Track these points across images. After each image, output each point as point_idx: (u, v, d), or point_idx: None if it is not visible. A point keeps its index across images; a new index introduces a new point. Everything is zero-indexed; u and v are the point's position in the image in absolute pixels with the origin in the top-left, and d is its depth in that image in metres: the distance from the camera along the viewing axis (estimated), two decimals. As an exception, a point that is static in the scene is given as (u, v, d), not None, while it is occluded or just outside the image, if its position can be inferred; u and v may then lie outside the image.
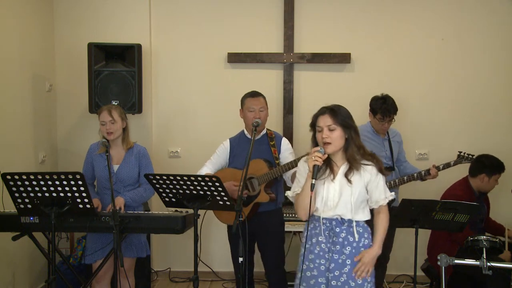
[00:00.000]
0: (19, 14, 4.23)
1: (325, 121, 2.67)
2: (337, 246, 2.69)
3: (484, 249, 3.34)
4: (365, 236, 2.74)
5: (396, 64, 4.90)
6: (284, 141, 3.69)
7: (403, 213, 3.48)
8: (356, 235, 2.70)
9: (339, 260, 2.69)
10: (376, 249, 2.72)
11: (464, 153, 4.04)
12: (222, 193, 3.08)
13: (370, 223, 2.81)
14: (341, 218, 2.70)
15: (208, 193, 3.09)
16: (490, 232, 4.22)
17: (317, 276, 2.71)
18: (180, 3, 4.92)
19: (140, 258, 3.67)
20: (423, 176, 3.99)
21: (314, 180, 2.59)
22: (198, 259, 3.13)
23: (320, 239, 2.73)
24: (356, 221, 2.71)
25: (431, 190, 4.37)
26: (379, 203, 2.74)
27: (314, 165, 2.60)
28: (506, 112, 4.89)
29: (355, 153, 2.68)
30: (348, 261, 2.68)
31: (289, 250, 4.58)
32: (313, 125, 2.73)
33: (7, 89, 4.04)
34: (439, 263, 3.14)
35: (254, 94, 3.68)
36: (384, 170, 2.76)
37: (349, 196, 2.67)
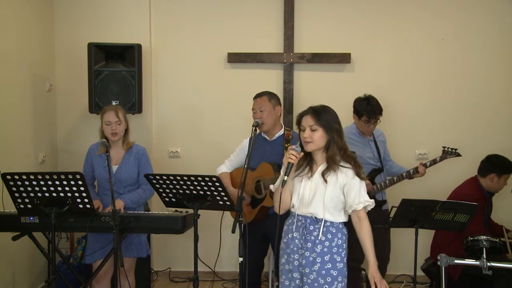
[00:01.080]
0: (19, 14, 4.23)
1: (308, 121, 2.75)
2: (309, 244, 2.74)
3: (484, 249, 3.34)
4: (339, 236, 2.75)
5: (396, 64, 4.90)
6: None
7: (403, 213, 3.48)
8: (328, 235, 2.73)
9: (310, 258, 2.73)
10: (372, 265, 2.71)
11: (448, 147, 4.02)
12: (222, 193, 3.08)
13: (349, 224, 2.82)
14: (315, 217, 2.74)
15: (208, 193, 3.09)
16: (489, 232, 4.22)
17: (292, 270, 2.79)
18: (180, 3, 4.91)
19: (140, 258, 3.67)
20: (412, 174, 3.97)
21: (286, 176, 2.68)
22: (198, 259, 3.13)
23: (295, 235, 2.79)
24: (330, 221, 2.74)
25: (428, 189, 4.37)
26: (352, 208, 2.73)
27: (288, 163, 2.68)
28: (506, 112, 4.88)
29: (336, 155, 2.73)
30: (319, 259, 2.72)
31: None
32: (298, 124, 2.80)
33: (7, 89, 4.04)
34: (439, 263, 3.14)
35: (256, 95, 3.69)
36: (363, 174, 2.77)
37: (322, 195, 2.72)
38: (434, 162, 3.98)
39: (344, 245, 2.78)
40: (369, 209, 2.78)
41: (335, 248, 2.74)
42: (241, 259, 2.92)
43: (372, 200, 2.79)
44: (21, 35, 4.26)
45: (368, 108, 3.90)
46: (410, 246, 3.67)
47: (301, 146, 2.76)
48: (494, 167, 4.03)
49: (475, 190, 4.00)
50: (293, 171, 2.75)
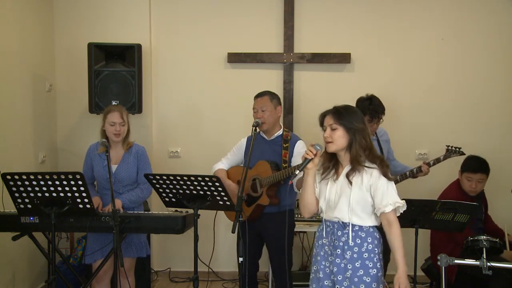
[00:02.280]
0: (19, 14, 4.23)
1: (328, 120, 2.68)
2: (338, 250, 2.65)
3: (484, 249, 3.33)
4: (369, 241, 2.63)
5: (396, 64, 4.90)
6: (299, 145, 3.60)
7: (403, 213, 3.47)
8: (357, 240, 2.62)
9: (341, 265, 2.64)
10: (401, 272, 2.57)
11: (452, 146, 4.02)
12: (222, 193, 3.08)
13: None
14: (342, 222, 2.66)
15: (208, 193, 3.09)
16: (488, 233, 4.21)
17: (323, 278, 2.70)
18: (180, 3, 4.92)
19: (140, 258, 3.67)
20: (415, 173, 3.98)
21: (298, 171, 2.64)
22: (198, 259, 3.13)
23: (324, 241, 2.72)
24: (358, 225, 2.63)
25: (430, 189, 4.37)
26: (380, 210, 2.60)
27: (305, 158, 2.64)
28: (506, 112, 4.88)
29: (359, 155, 2.63)
30: (350, 266, 2.62)
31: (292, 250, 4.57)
32: (322, 124, 2.74)
33: (7, 89, 4.04)
34: (439, 263, 3.14)
35: (257, 95, 3.69)
36: (391, 174, 2.66)
37: (347, 198, 2.62)
38: (437, 161, 3.98)
39: (377, 249, 2.64)
40: (401, 211, 2.64)
41: (366, 254, 2.62)
42: (241, 259, 2.92)
43: (403, 202, 2.64)
44: (21, 35, 4.25)
45: (371, 108, 3.91)
46: (410, 246, 3.66)
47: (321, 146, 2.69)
48: (462, 163, 4.03)
49: (455, 192, 3.98)
50: (311, 170, 2.66)
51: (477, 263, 3.14)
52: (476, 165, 3.98)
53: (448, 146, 4.03)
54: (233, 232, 2.89)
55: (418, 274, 3.58)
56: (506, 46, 4.86)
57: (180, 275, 4.97)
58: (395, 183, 3.91)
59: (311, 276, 2.79)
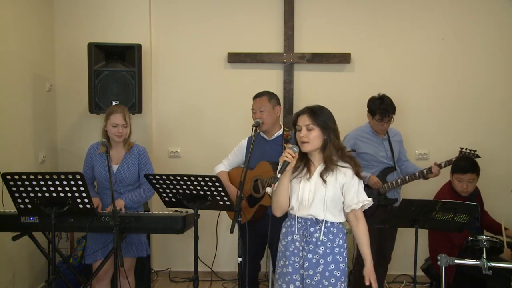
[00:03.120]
0: (19, 14, 4.23)
1: (304, 120, 2.73)
2: (311, 246, 2.72)
3: (484, 249, 3.34)
4: (340, 236, 2.74)
5: (396, 64, 4.90)
6: None
7: (403, 213, 3.48)
8: (329, 236, 2.72)
9: (313, 260, 2.72)
10: (370, 265, 2.74)
11: (466, 149, 4.02)
12: (222, 193, 3.08)
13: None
14: (316, 219, 2.73)
15: (208, 193, 3.09)
16: (486, 228, 4.22)
17: (291, 273, 2.76)
18: (180, 3, 4.92)
19: (140, 258, 3.67)
20: (425, 174, 3.98)
21: (279, 174, 2.67)
22: (198, 259, 3.13)
23: (295, 237, 2.77)
24: (330, 222, 2.73)
25: (428, 190, 4.37)
26: (351, 207, 2.72)
27: (284, 161, 2.66)
28: (506, 112, 4.88)
29: (333, 155, 2.71)
30: (322, 261, 2.70)
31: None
32: (294, 124, 2.79)
33: (7, 89, 4.04)
34: (439, 263, 3.14)
35: (255, 96, 3.69)
36: (362, 173, 2.78)
37: (323, 196, 2.70)
38: (449, 162, 3.98)
39: (345, 245, 2.77)
40: (366, 208, 2.77)
41: (337, 249, 2.73)
42: (240, 259, 2.92)
43: (371, 199, 2.78)
44: (21, 35, 4.26)
45: (381, 107, 3.94)
46: (410, 246, 3.67)
47: (298, 146, 2.75)
48: (451, 167, 4.03)
49: (448, 193, 3.97)
50: (289, 171, 2.72)
51: (477, 263, 3.15)
52: (466, 166, 3.96)
53: (462, 148, 4.03)
54: (231, 232, 2.89)
55: (418, 274, 3.58)
56: (506, 46, 4.86)
57: (180, 275, 4.97)
58: (403, 183, 3.97)
59: (277, 271, 2.85)
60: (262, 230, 3.57)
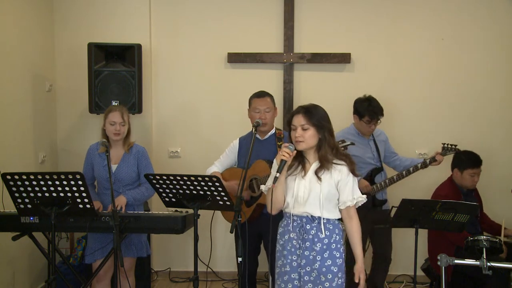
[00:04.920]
0: (19, 14, 4.23)
1: (299, 120, 2.74)
2: (307, 243, 2.74)
3: (484, 249, 3.33)
4: (336, 232, 2.77)
5: (396, 64, 4.90)
6: None
7: (403, 213, 3.48)
8: (326, 232, 2.74)
9: (309, 257, 2.74)
10: (361, 263, 2.77)
11: (448, 144, 4.04)
12: (222, 193, 3.08)
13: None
14: (311, 216, 2.75)
15: (208, 193, 3.09)
16: (485, 228, 4.22)
17: (289, 271, 2.78)
18: (180, 3, 4.92)
19: (140, 258, 3.68)
20: (428, 164, 3.97)
21: (278, 173, 2.68)
22: (198, 259, 3.13)
23: (291, 235, 2.79)
24: (326, 218, 2.74)
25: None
26: (346, 204, 2.75)
27: (281, 160, 2.68)
28: (506, 112, 4.89)
29: (328, 153, 2.74)
30: (319, 257, 2.73)
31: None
32: (289, 124, 2.80)
33: (7, 89, 4.04)
34: (439, 263, 3.14)
35: (260, 95, 3.69)
36: (357, 171, 2.81)
37: (318, 193, 2.72)
38: (433, 159, 3.98)
39: (342, 240, 2.78)
40: (360, 205, 2.80)
41: (334, 245, 2.75)
42: (239, 259, 2.92)
43: (365, 196, 2.80)
44: (21, 35, 4.26)
45: (370, 109, 3.91)
46: (410, 246, 3.67)
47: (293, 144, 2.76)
48: (456, 162, 4.07)
49: (448, 189, 4.01)
50: (285, 170, 2.74)
51: (477, 263, 3.14)
52: (477, 159, 4.05)
53: (444, 144, 4.04)
54: (231, 232, 2.89)
55: (418, 274, 3.58)
56: (506, 46, 4.86)
57: (180, 275, 4.97)
58: (391, 183, 3.97)
59: (276, 271, 2.87)
60: (258, 229, 3.57)
